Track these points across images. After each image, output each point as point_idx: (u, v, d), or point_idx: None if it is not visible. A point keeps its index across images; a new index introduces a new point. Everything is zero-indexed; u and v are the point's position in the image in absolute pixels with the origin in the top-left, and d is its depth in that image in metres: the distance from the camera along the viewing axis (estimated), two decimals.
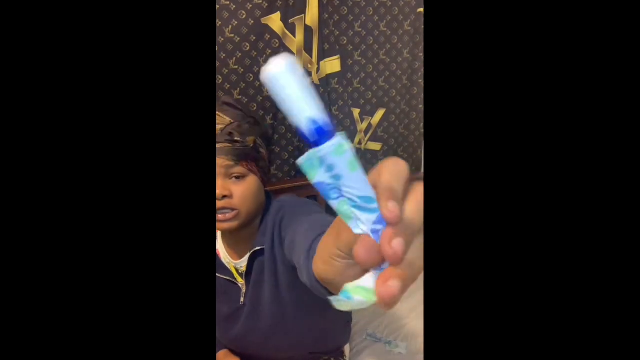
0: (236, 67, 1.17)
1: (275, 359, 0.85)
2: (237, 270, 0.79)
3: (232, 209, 0.69)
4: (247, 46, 1.16)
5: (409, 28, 1.35)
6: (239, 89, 1.19)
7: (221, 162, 0.68)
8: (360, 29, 1.30)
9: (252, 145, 0.71)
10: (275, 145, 1.33)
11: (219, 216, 0.69)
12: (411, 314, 1.13)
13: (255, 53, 1.18)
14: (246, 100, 1.20)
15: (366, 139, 1.43)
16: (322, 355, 0.89)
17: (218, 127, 0.70)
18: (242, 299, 0.79)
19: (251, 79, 1.19)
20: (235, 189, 0.70)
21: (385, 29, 1.32)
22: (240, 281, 0.79)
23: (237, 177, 0.70)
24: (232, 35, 1.14)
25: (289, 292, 0.75)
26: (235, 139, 0.69)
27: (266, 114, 1.23)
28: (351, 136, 1.41)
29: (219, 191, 0.68)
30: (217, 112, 0.72)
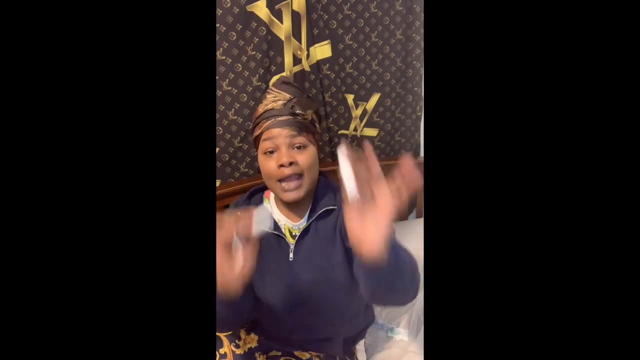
0: (224, 57, 1.13)
1: (307, 325, 0.86)
2: (290, 231, 0.84)
3: (298, 175, 0.76)
4: (234, 35, 1.12)
5: (401, 8, 1.30)
6: (227, 79, 1.15)
7: (285, 132, 0.76)
8: (349, 12, 1.26)
9: (310, 119, 0.79)
10: None
11: (285, 185, 0.76)
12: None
13: (242, 42, 1.14)
14: (236, 91, 1.17)
15: (362, 125, 1.40)
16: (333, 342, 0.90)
17: (279, 102, 0.78)
18: (291, 255, 0.82)
19: (239, 69, 1.16)
20: (299, 158, 0.77)
21: (376, 10, 1.28)
22: (291, 241, 0.83)
23: (299, 147, 0.77)
24: (218, 25, 1.10)
25: (341, 254, 0.80)
26: (297, 111, 0.77)
27: (257, 104, 1.20)
28: (346, 123, 1.37)
29: (286, 159, 0.75)
30: (277, 90, 0.80)
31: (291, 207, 0.84)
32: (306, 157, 0.77)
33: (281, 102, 0.78)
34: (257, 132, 0.80)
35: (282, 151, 0.76)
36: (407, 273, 0.61)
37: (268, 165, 0.77)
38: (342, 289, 0.83)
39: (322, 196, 0.84)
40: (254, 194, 0.91)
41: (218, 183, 1.23)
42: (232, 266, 0.57)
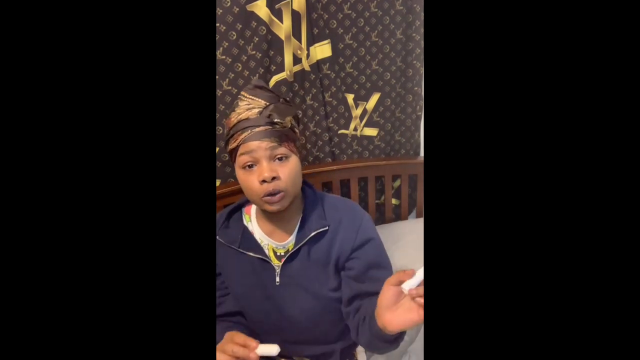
0: (224, 57, 1.13)
1: (301, 345, 0.85)
2: (275, 252, 0.79)
3: (281, 191, 0.70)
4: (234, 35, 1.12)
5: (401, 7, 1.30)
6: (227, 79, 1.15)
7: (265, 144, 0.69)
8: (349, 11, 1.26)
9: (289, 126, 0.72)
10: None
11: (268, 198, 0.70)
12: None
13: (242, 42, 1.14)
14: (236, 90, 1.17)
15: (362, 124, 1.40)
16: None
17: (255, 110, 0.70)
18: (277, 279, 0.79)
19: (239, 68, 1.16)
20: (281, 170, 0.70)
21: (376, 10, 1.28)
22: (276, 263, 0.79)
23: (280, 159, 0.71)
24: (218, 25, 1.10)
25: (336, 279, 0.78)
26: (275, 120, 0.70)
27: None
28: (346, 123, 1.37)
29: (268, 174, 0.68)
30: (250, 97, 0.72)
31: (276, 223, 0.79)
32: (289, 169, 0.71)
33: (256, 110, 0.70)
34: (232, 145, 0.72)
35: (262, 165, 0.69)
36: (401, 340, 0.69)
37: (248, 180, 0.71)
38: (337, 312, 0.80)
39: (310, 213, 0.78)
40: (232, 213, 0.84)
41: (218, 183, 1.23)
42: None
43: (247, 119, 0.70)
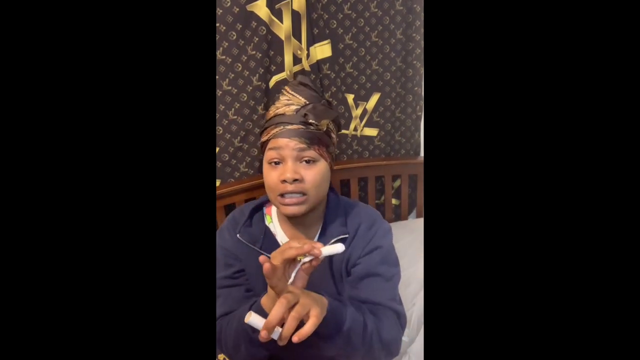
0: (224, 57, 1.13)
1: (309, 358, 0.83)
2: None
3: (302, 194, 0.68)
4: (234, 35, 1.12)
5: (401, 8, 1.30)
6: (227, 79, 1.15)
7: (294, 144, 0.67)
8: (349, 11, 1.26)
9: (324, 130, 0.70)
10: None
11: (286, 200, 0.68)
12: (413, 299, 1.11)
13: (242, 42, 1.14)
14: (236, 90, 1.17)
15: (362, 125, 1.40)
16: None
17: (292, 107, 0.69)
18: None
19: (239, 68, 1.15)
20: (306, 173, 0.68)
21: (376, 10, 1.28)
22: None
23: (308, 162, 0.69)
24: (218, 25, 1.10)
25: (350, 287, 0.76)
26: (310, 121, 0.68)
27: (257, 104, 1.20)
28: (346, 123, 1.37)
29: (290, 175, 0.67)
30: (292, 93, 0.71)
31: (297, 227, 0.76)
32: (314, 174, 0.69)
33: (294, 107, 0.69)
34: (263, 138, 0.71)
35: (287, 165, 0.68)
36: (356, 336, 0.63)
37: (270, 176, 0.69)
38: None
39: (332, 219, 0.75)
40: (255, 212, 0.82)
41: (218, 183, 1.23)
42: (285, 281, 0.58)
43: (283, 114, 0.69)
